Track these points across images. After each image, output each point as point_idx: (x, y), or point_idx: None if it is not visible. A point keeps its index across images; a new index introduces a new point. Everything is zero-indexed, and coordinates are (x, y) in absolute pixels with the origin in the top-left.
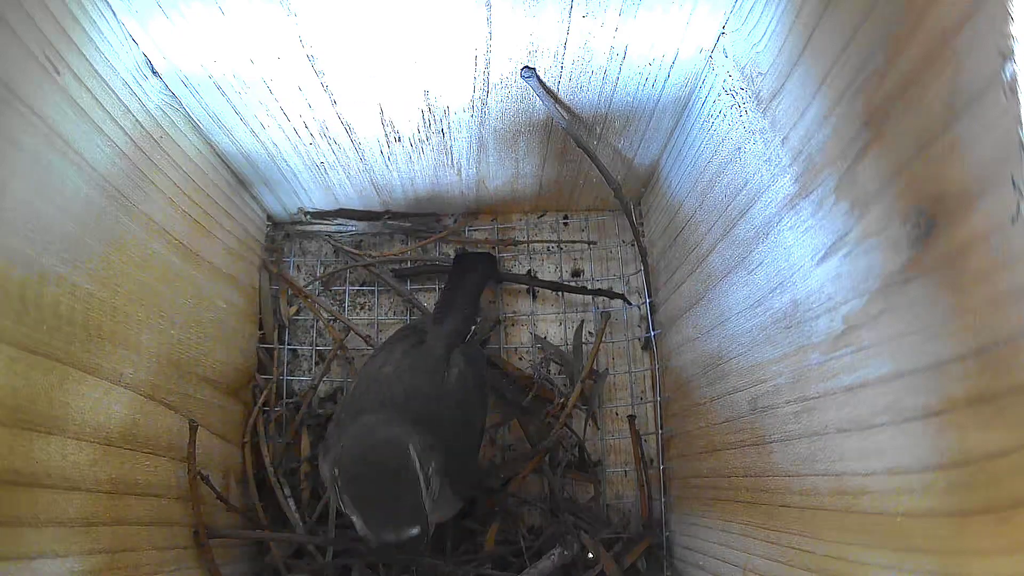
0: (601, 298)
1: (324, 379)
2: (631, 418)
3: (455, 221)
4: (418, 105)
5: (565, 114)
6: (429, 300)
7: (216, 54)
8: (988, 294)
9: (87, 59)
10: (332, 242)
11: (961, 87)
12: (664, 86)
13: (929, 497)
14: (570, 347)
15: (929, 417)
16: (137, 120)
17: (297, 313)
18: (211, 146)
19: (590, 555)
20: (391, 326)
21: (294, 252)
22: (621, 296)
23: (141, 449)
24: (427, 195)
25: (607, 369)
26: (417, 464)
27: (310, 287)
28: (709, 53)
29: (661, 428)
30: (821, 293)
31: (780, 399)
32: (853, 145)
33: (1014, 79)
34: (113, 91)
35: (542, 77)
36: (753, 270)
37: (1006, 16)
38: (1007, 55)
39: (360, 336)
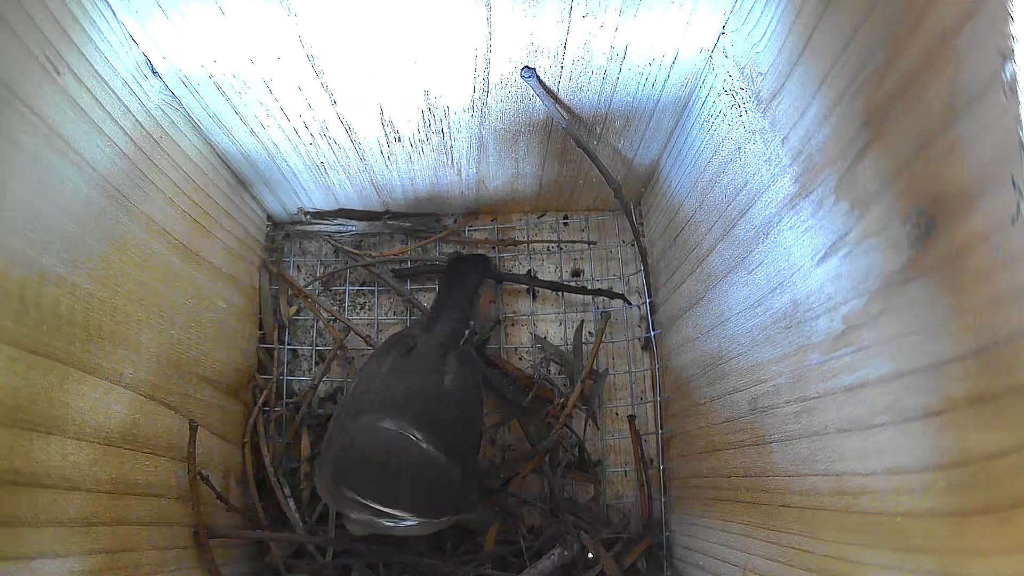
0: (601, 298)
1: (324, 379)
2: (631, 418)
3: (455, 221)
4: (418, 105)
5: (565, 114)
6: (429, 300)
7: (216, 54)
8: (988, 294)
9: (87, 59)
10: (332, 242)
11: (961, 87)
12: (664, 86)
13: (929, 497)
14: (570, 347)
15: (929, 417)
16: (137, 120)
17: (297, 313)
18: (211, 146)
19: (590, 555)
20: (391, 326)
21: (294, 252)
22: (621, 296)
23: (141, 449)
24: (427, 195)
25: (607, 369)
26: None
27: (310, 287)
28: (709, 53)
29: (661, 428)
30: (821, 293)
31: (780, 399)
32: (853, 145)
33: (1014, 79)
34: (113, 91)
35: (542, 77)
36: (753, 270)
37: (1006, 16)
38: (1007, 55)
39: (360, 336)
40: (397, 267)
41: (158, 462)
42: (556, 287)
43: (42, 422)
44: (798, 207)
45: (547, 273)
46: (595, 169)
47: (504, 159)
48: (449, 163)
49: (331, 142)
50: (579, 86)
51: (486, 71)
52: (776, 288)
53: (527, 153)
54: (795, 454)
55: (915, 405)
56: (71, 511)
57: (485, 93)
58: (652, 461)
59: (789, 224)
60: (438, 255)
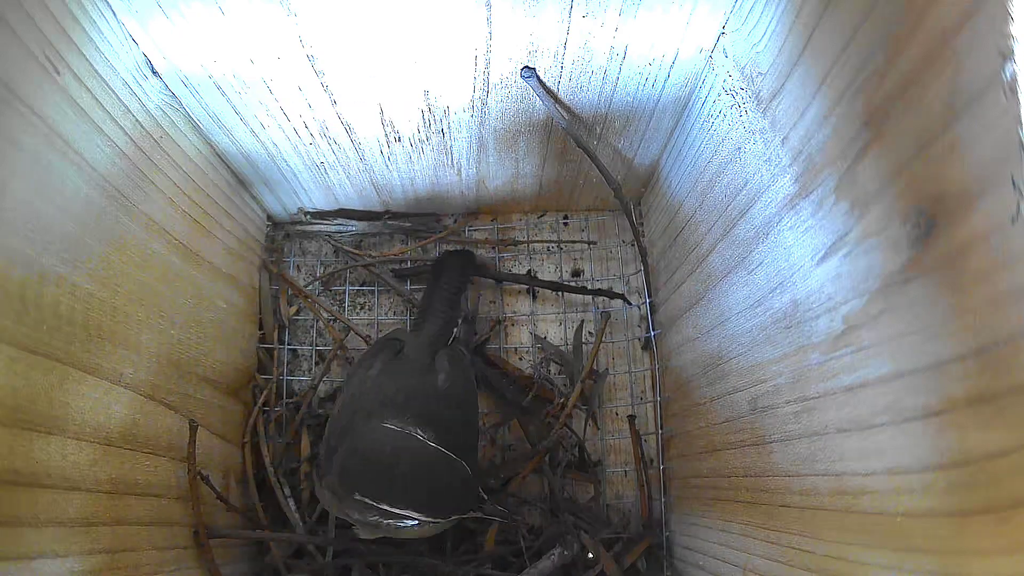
0: (601, 298)
1: (324, 379)
2: (631, 418)
3: (455, 221)
4: (418, 105)
5: (565, 114)
6: None
7: (216, 54)
8: (988, 294)
9: (87, 59)
10: (332, 242)
11: (961, 87)
12: (664, 86)
13: (929, 497)
14: (570, 347)
15: (929, 417)
16: (137, 120)
17: (297, 313)
18: (211, 146)
19: (590, 555)
20: (391, 326)
21: (294, 252)
22: (621, 296)
23: (141, 449)
24: (427, 195)
25: (607, 369)
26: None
27: (310, 287)
28: (709, 53)
29: (661, 428)
30: (821, 293)
31: (780, 399)
32: (853, 145)
33: (1014, 79)
34: (113, 91)
35: (542, 77)
36: (753, 270)
37: (1006, 16)
38: (1007, 55)
39: (360, 336)
40: (397, 267)
41: (158, 462)
42: (556, 287)
43: (42, 422)
44: (798, 207)
45: (547, 273)
46: (595, 169)
47: (504, 159)
48: (449, 163)
49: (331, 142)
50: (579, 86)
51: (486, 71)
52: (776, 288)
53: (527, 153)
54: (795, 454)
55: (915, 405)
56: (71, 511)
57: (485, 93)
58: (652, 461)
59: (789, 224)
60: (438, 255)
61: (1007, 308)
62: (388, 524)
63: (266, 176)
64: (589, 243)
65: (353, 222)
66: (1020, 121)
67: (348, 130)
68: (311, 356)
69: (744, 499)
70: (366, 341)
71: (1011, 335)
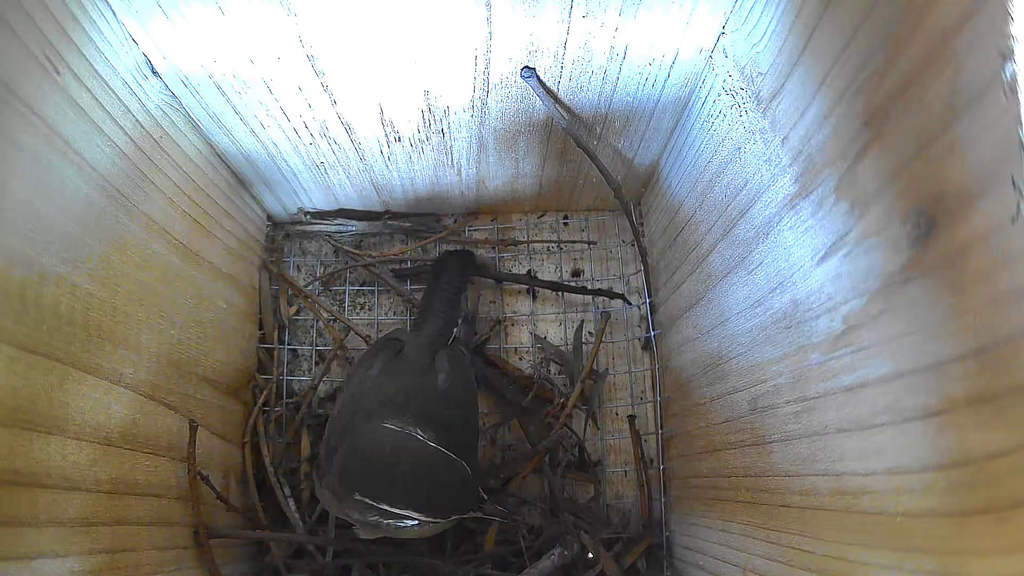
0: (601, 298)
1: (324, 379)
2: (631, 418)
3: (455, 221)
4: (418, 105)
5: (565, 114)
6: None
7: (216, 54)
8: (988, 294)
9: (87, 59)
10: (332, 242)
11: (961, 87)
12: (664, 86)
13: (929, 497)
14: (570, 347)
15: (929, 417)
16: (137, 120)
17: (297, 313)
18: (211, 146)
19: (590, 555)
20: (391, 326)
21: (294, 252)
22: (621, 296)
23: (141, 449)
24: (427, 195)
25: (607, 369)
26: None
27: (310, 287)
28: (709, 53)
29: (661, 428)
30: (821, 293)
31: (780, 399)
32: (853, 145)
33: (1014, 79)
34: (113, 91)
35: (542, 77)
36: (753, 270)
37: (1006, 16)
38: (1007, 55)
39: (360, 336)
40: (397, 267)
41: (158, 462)
42: (556, 287)
43: (42, 422)
44: (798, 207)
45: (547, 273)
46: (595, 169)
47: (504, 159)
48: (449, 163)
49: (331, 142)
50: (579, 86)
51: (486, 71)
52: (776, 288)
53: (527, 153)
54: (795, 454)
55: (915, 405)
56: (71, 511)
57: (485, 93)
58: (652, 461)
59: (789, 224)
60: (438, 255)
61: (1007, 308)
62: (388, 524)
63: (266, 176)
64: (589, 243)
65: (353, 222)
66: (1020, 121)
67: (348, 130)
68: (311, 356)
69: (744, 499)
70: (366, 341)
71: (1011, 335)
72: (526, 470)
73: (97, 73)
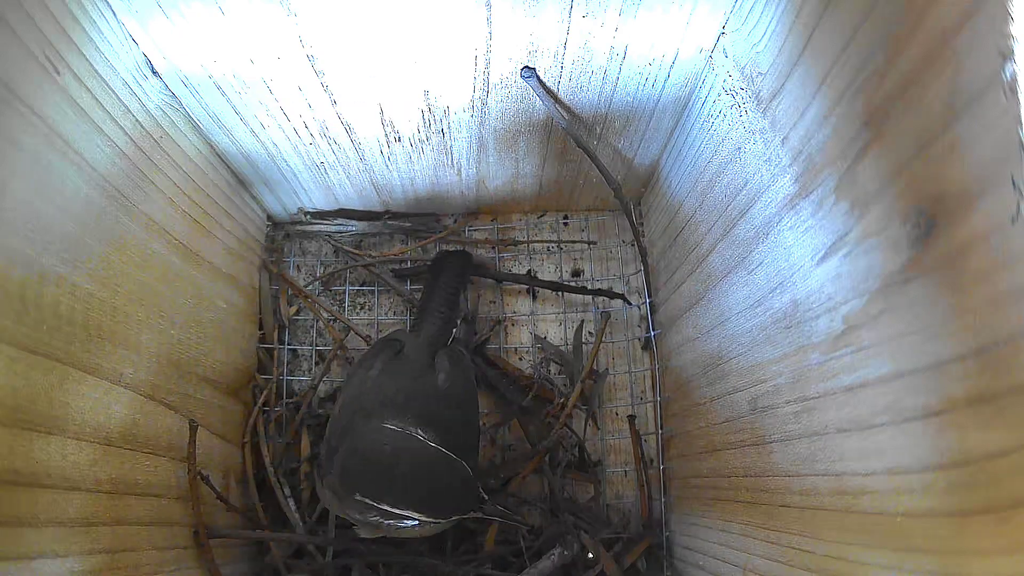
0: (601, 298)
1: (324, 379)
2: (631, 418)
3: (455, 221)
4: (418, 105)
5: (565, 114)
6: None
7: (216, 54)
8: (988, 294)
9: (87, 59)
10: (332, 242)
11: (961, 87)
12: (664, 86)
13: (929, 497)
14: (570, 347)
15: (929, 417)
16: (137, 120)
17: (297, 313)
18: (211, 146)
19: (590, 555)
20: (391, 326)
21: (294, 252)
22: (621, 296)
23: (141, 449)
24: (427, 195)
25: (607, 369)
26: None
27: (310, 287)
28: (709, 53)
29: (661, 428)
30: (821, 293)
31: (780, 399)
32: (853, 145)
33: (1014, 79)
34: (113, 91)
35: (542, 77)
36: (753, 270)
37: (1006, 16)
38: (1007, 55)
39: (360, 336)
40: (397, 267)
41: (158, 462)
42: (556, 287)
43: (42, 422)
44: (798, 207)
45: (547, 273)
46: (595, 169)
47: (504, 159)
48: (449, 163)
49: (331, 142)
50: (579, 86)
51: (486, 71)
52: (776, 288)
53: (527, 153)
54: (795, 454)
55: (915, 405)
56: (71, 511)
57: (485, 93)
58: (652, 461)
59: (789, 224)
60: (436, 255)
61: (1007, 308)
62: (389, 524)
63: (266, 176)
64: (589, 243)
65: (353, 222)
66: (1020, 121)
67: (348, 130)
68: (311, 356)
69: (744, 499)
70: (366, 341)
71: (1011, 335)
72: (526, 470)
73: (97, 73)
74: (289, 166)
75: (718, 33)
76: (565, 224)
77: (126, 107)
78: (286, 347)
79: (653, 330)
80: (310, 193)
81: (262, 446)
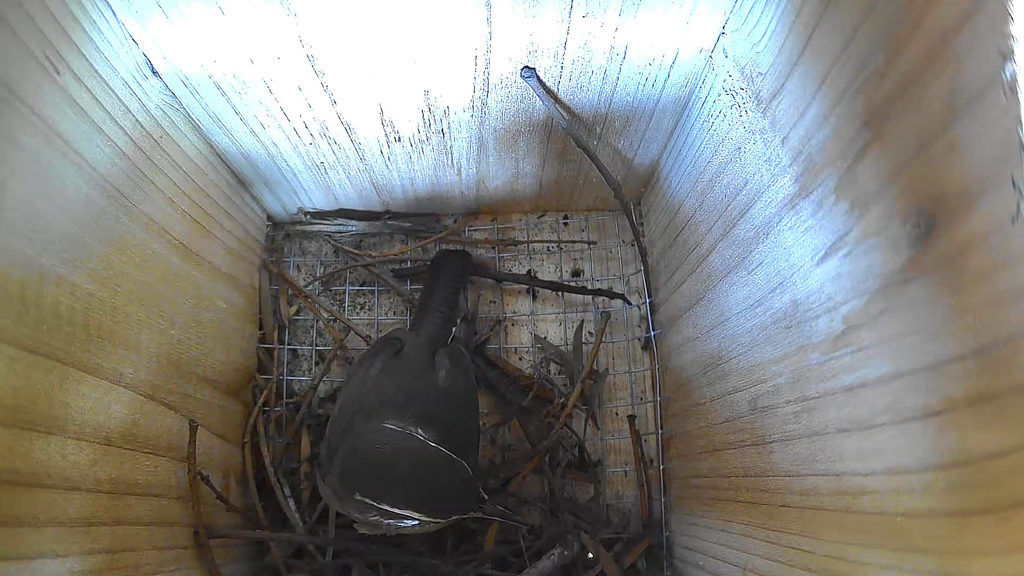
0: (601, 298)
1: (324, 379)
2: (631, 418)
3: (455, 221)
4: (418, 105)
5: (565, 114)
6: None
7: (216, 54)
8: (988, 294)
9: (87, 59)
10: (332, 242)
11: (961, 87)
12: (664, 86)
13: (929, 497)
14: (570, 347)
15: (929, 417)
16: (137, 120)
17: (297, 313)
18: (211, 146)
19: (590, 555)
20: (391, 326)
21: (294, 252)
22: (621, 296)
23: (141, 449)
24: (427, 195)
25: (607, 369)
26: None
27: (310, 287)
28: (709, 53)
29: (661, 428)
30: (821, 293)
31: (780, 399)
32: (853, 145)
33: (1014, 79)
34: (113, 91)
35: (542, 77)
36: (753, 270)
37: (1006, 16)
38: (1007, 55)
39: (360, 336)
40: (397, 267)
41: (158, 462)
42: (556, 287)
43: (42, 422)
44: (798, 207)
45: (547, 273)
46: (595, 169)
47: (504, 159)
48: (449, 163)
49: (331, 142)
50: (579, 86)
51: (486, 71)
52: (776, 288)
53: (527, 153)
54: (795, 454)
55: (915, 405)
56: (71, 511)
57: (485, 93)
58: (652, 461)
59: (789, 224)
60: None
61: (1007, 308)
62: (389, 524)
63: (266, 176)
64: (589, 243)
65: (353, 222)
66: (1020, 121)
67: (348, 130)
68: (311, 356)
69: (744, 499)
70: (366, 341)
71: (1011, 335)
72: (526, 470)
73: (97, 73)
74: (289, 166)
75: (718, 33)
76: (565, 224)
77: (126, 107)
78: (286, 347)
79: (653, 330)
80: (310, 193)
81: (262, 446)
